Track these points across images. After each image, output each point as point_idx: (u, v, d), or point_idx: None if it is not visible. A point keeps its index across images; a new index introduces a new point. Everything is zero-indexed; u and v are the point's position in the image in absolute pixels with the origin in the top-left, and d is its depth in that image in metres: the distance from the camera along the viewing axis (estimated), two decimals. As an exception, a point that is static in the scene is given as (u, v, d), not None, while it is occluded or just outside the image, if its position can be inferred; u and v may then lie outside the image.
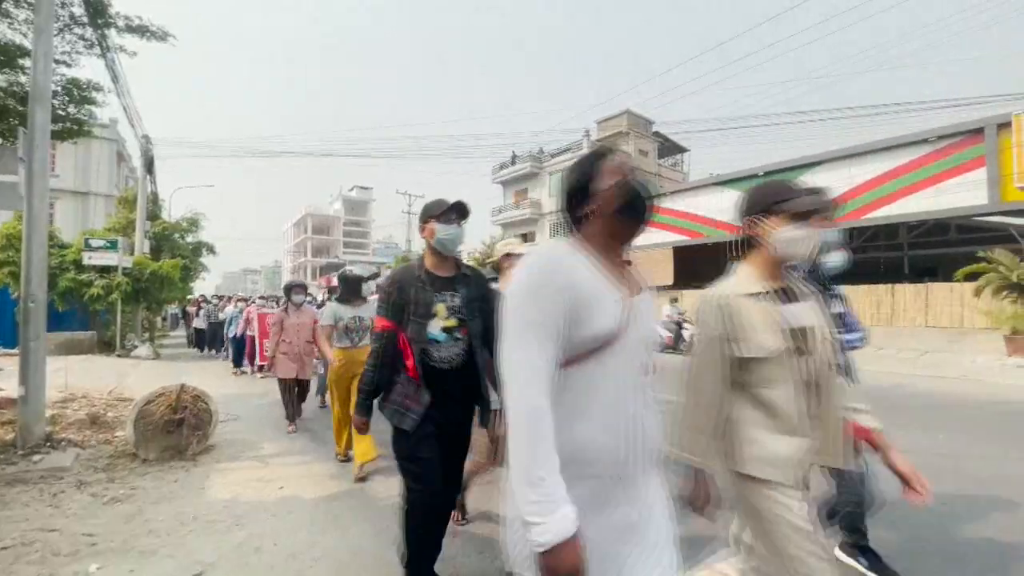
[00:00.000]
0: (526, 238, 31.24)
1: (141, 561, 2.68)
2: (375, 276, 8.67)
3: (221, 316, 12.28)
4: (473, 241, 29.51)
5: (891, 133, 17.78)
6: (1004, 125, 13.50)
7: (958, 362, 10.81)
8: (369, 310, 4.45)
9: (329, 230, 64.68)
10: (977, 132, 14.44)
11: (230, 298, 13.78)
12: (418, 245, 37.13)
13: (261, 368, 8.79)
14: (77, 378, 7.49)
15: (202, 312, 14.07)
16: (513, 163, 32.33)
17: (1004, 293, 11.95)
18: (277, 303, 10.02)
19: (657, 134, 32.29)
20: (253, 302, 11.31)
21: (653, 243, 22.88)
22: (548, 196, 30.46)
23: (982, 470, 3.98)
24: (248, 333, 9.37)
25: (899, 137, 16.15)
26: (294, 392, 5.67)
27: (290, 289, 5.82)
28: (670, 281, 20.21)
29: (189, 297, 19.20)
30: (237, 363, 9.99)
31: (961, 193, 14.69)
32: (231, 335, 10.24)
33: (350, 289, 4.69)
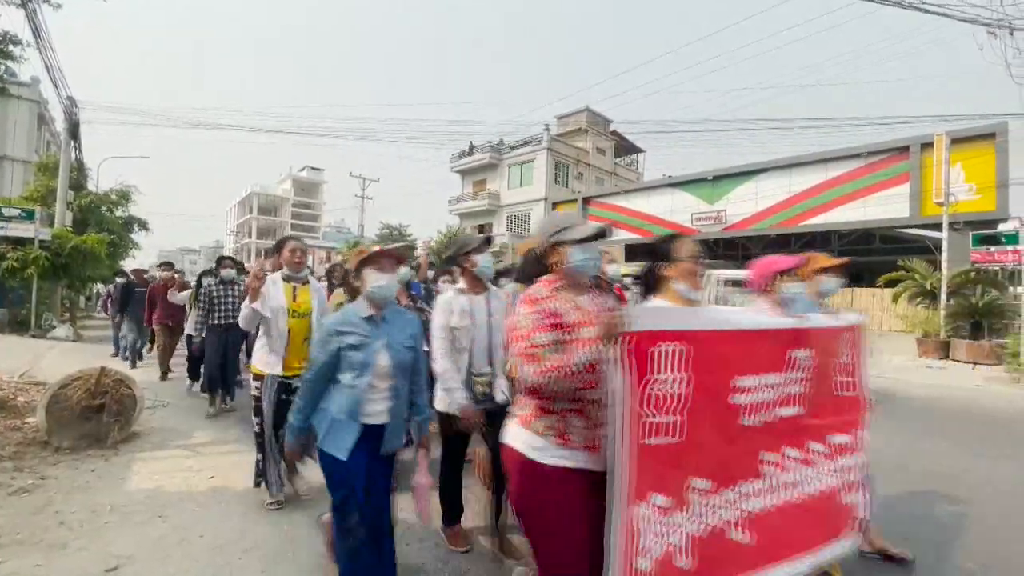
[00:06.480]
0: (482, 229, 31.14)
1: (50, 555, 2.50)
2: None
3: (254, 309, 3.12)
4: (429, 230, 29.12)
5: (825, 146, 18.91)
6: (927, 144, 14.65)
7: (876, 362, 11.64)
8: None
9: (276, 211, 61.89)
10: (903, 150, 15.64)
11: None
12: (370, 231, 36.19)
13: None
14: (-17, 359, 6.85)
15: (205, 296, 5.51)
16: (471, 153, 32.03)
17: (918, 299, 13.05)
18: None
19: (615, 133, 32.94)
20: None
21: (606, 240, 23.32)
22: (507, 188, 30.42)
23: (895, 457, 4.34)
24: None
25: (834, 150, 17.25)
26: None
27: None
28: (620, 277, 20.78)
29: (146, 270, 10.21)
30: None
31: (886, 206, 15.88)
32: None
33: None
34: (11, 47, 7.35)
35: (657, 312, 1.68)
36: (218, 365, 5.36)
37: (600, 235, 1.70)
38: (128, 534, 2.74)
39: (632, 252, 21.65)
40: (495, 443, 2.34)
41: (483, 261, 2.59)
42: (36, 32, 9.90)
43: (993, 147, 14.17)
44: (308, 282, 3.29)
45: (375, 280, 2.07)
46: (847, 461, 2.01)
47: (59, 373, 4.53)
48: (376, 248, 2.17)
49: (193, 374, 6.42)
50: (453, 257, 2.69)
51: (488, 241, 2.67)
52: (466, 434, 2.64)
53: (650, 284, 1.89)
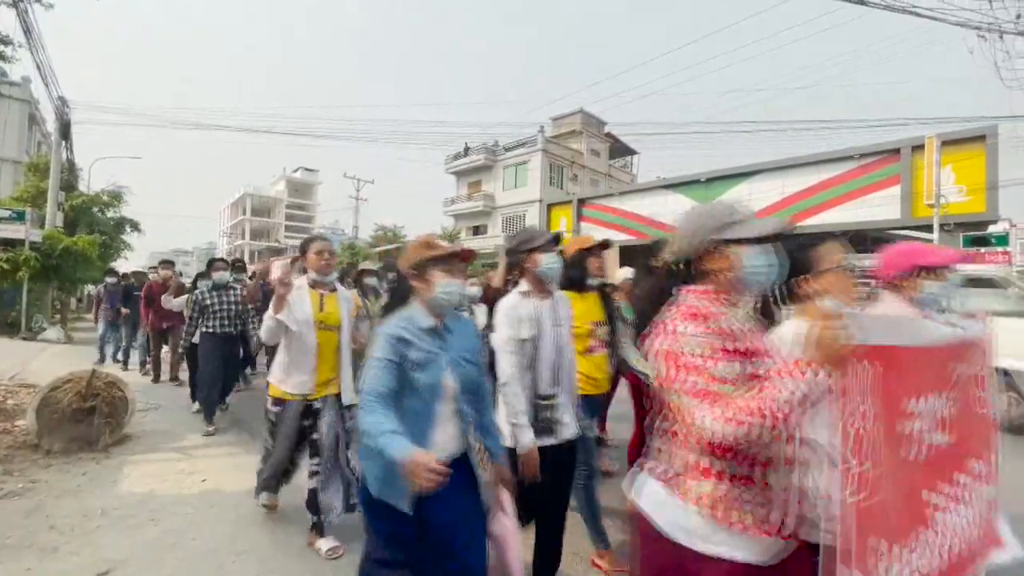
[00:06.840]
0: (478, 231, 31.11)
1: (40, 558, 2.48)
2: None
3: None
4: (424, 232, 28.98)
5: (818, 148, 19.10)
6: (918, 147, 14.78)
7: None
8: None
9: (270, 212, 61.56)
10: (894, 152, 15.77)
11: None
12: (365, 232, 36.01)
13: None
14: (-28, 362, 6.77)
15: (196, 305, 5.08)
16: (465, 154, 32.02)
17: (910, 301, 13.15)
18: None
19: (609, 135, 33.02)
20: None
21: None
22: (502, 189, 30.41)
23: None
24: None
25: (827, 152, 17.38)
26: None
27: None
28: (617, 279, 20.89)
29: (146, 273, 9.60)
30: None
31: (878, 208, 16.02)
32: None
33: None
34: (2, 47, 7.30)
35: (876, 321, 1.18)
36: (215, 382, 4.84)
37: (778, 235, 1.24)
38: (120, 538, 2.71)
39: (627, 254, 21.74)
40: (554, 493, 2.07)
41: (547, 261, 2.17)
42: (27, 32, 9.82)
43: (983, 149, 14.30)
44: (336, 289, 2.88)
45: (445, 285, 1.69)
46: (986, 490, 1.65)
47: (50, 375, 4.50)
48: (457, 246, 1.80)
49: (195, 391, 5.40)
50: (513, 253, 2.31)
51: (556, 239, 2.25)
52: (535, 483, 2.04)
53: (782, 302, 1.56)
